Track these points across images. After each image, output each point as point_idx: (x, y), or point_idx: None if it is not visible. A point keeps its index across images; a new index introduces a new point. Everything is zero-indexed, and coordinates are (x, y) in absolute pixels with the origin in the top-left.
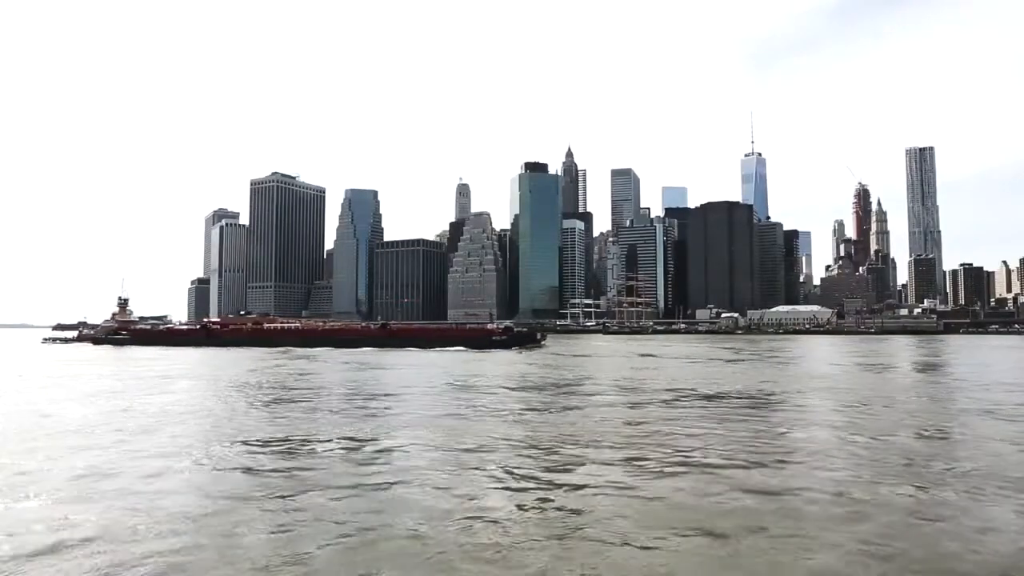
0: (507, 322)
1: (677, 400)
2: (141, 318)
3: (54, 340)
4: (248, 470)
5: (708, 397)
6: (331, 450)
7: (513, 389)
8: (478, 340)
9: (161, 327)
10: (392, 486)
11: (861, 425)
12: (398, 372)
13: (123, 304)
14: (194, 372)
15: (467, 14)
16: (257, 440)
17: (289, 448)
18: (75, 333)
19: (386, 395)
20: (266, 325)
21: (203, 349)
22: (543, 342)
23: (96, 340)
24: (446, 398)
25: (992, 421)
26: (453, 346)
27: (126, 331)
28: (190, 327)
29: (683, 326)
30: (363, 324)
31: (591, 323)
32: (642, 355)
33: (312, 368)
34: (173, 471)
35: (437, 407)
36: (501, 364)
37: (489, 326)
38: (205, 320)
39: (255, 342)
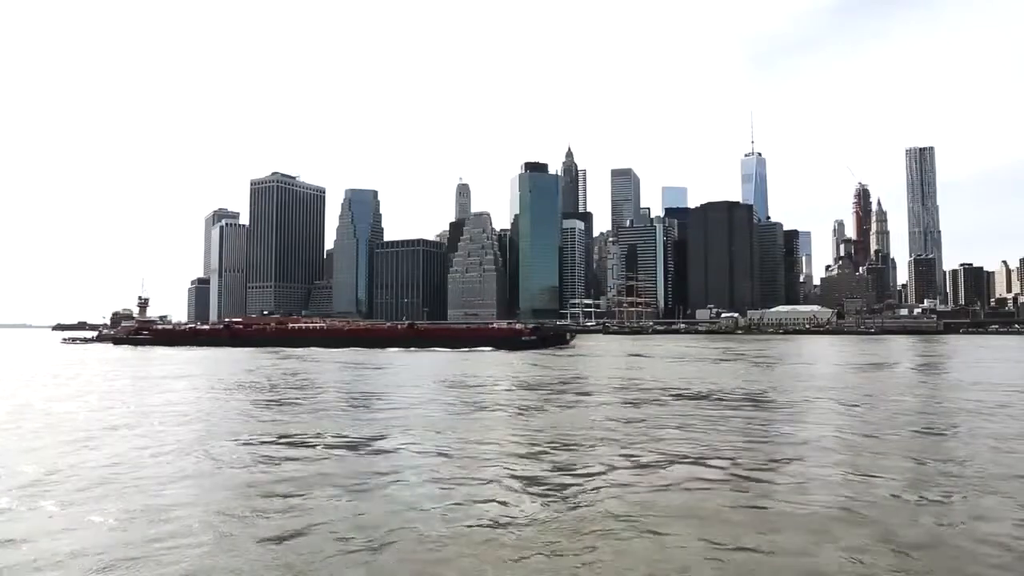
0: (505, 322)
1: (658, 399)
2: (161, 318)
3: (74, 340)
4: (262, 468)
5: (688, 397)
6: (357, 450)
7: (533, 388)
8: (507, 340)
9: (185, 327)
10: (408, 485)
11: (841, 424)
12: (426, 373)
13: (143, 304)
14: (233, 372)
15: (467, 14)
16: (278, 439)
17: (304, 447)
18: (95, 333)
19: (411, 395)
20: (290, 325)
21: (228, 349)
22: (572, 342)
23: (117, 340)
24: (466, 397)
25: (981, 421)
26: (482, 346)
27: (147, 331)
28: (213, 327)
29: (683, 326)
30: (389, 324)
31: (591, 323)
32: (634, 355)
33: (338, 369)
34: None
35: (464, 406)
36: (526, 364)
37: (517, 326)
38: (227, 320)
39: (279, 342)
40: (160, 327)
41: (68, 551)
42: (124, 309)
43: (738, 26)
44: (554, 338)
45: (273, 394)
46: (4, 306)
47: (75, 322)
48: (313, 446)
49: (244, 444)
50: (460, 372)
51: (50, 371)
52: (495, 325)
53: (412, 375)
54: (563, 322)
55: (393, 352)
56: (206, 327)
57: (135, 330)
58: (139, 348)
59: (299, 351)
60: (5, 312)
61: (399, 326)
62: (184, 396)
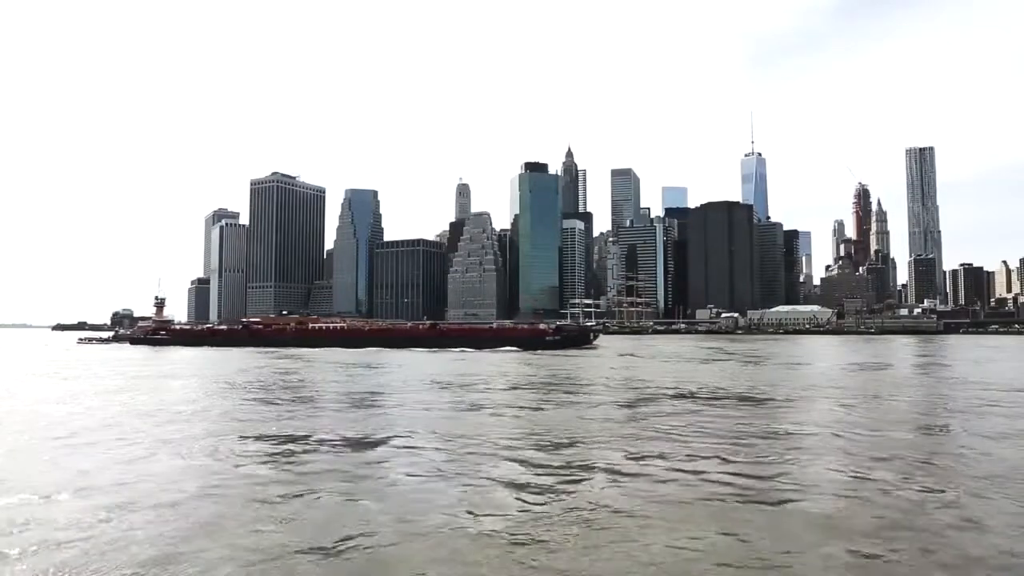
0: (509, 321)
1: (660, 399)
2: (142, 318)
3: (90, 340)
4: (269, 466)
5: (689, 397)
6: (365, 448)
7: (555, 385)
8: (531, 340)
9: (203, 327)
10: (409, 483)
11: (837, 422)
12: (449, 372)
13: (160, 304)
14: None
15: (467, 14)
16: (297, 437)
17: (324, 444)
18: (111, 334)
19: (429, 395)
20: (310, 325)
21: (249, 349)
22: (595, 341)
23: (134, 340)
24: (477, 396)
25: (974, 419)
26: (505, 346)
27: (165, 331)
28: (231, 327)
29: (683, 326)
30: (411, 324)
31: (591, 323)
32: (639, 355)
33: (360, 369)
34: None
35: (477, 405)
36: (543, 364)
37: (541, 326)
38: (246, 320)
39: (298, 342)
40: (177, 327)
41: (65, 542)
42: (124, 309)
43: (738, 26)
44: (578, 338)
45: (298, 393)
46: (3, 306)
47: (75, 322)
48: (333, 442)
49: (268, 440)
50: (482, 371)
51: (101, 373)
52: (520, 325)
53: (435, 374)
54: (563, 322)
55: (415, 352)
56: (224, 327)
57: (152, 330)
58: (158, 348)
59: (320, 351)
60: (3, 312)
61: (420, 326)
62: (233, 392)
